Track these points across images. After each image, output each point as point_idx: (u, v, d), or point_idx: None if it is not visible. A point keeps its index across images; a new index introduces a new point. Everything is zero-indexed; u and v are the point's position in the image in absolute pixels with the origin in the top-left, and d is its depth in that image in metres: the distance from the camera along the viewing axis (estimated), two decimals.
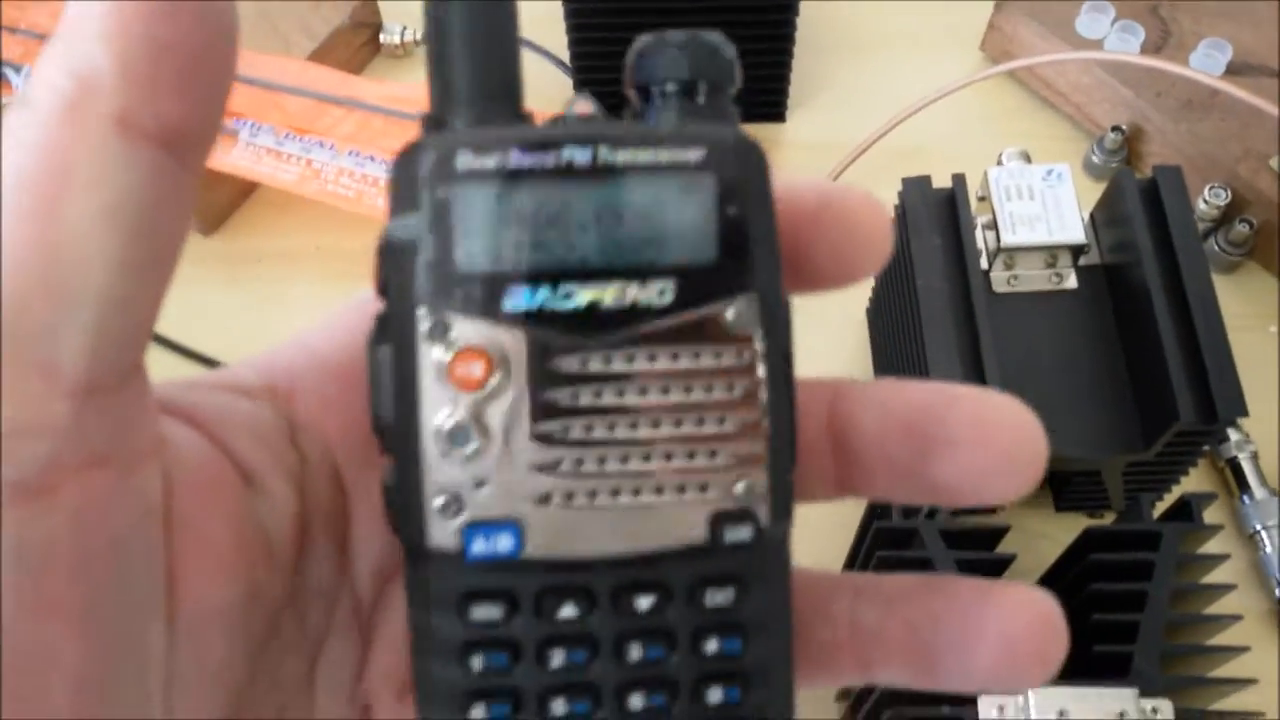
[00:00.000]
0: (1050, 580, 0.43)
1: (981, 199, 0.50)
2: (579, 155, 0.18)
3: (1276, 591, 0.49)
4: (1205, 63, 0.60)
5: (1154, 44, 0.62)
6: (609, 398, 0.18)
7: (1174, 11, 0.63)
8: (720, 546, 0.19)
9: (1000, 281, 0.49)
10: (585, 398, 0.18)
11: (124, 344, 0.17)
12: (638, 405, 0.18)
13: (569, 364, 0.18)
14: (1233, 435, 0.52)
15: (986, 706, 0.35)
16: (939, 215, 0.49)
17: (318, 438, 0.21)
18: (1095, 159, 0.62)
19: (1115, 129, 0.61)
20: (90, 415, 0.16)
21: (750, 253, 0.18)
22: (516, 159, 0.18)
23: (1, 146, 0.16)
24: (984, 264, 0.49)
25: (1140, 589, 0.37)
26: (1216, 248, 0.58)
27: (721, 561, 0.19)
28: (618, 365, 0.18)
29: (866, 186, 0.61)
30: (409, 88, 0.62)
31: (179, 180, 0.17)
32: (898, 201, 0.50)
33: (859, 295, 0.58)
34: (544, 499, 0.18)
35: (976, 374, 0.44)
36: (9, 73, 0.61)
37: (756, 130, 0.65)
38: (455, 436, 0.18)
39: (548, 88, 0.65)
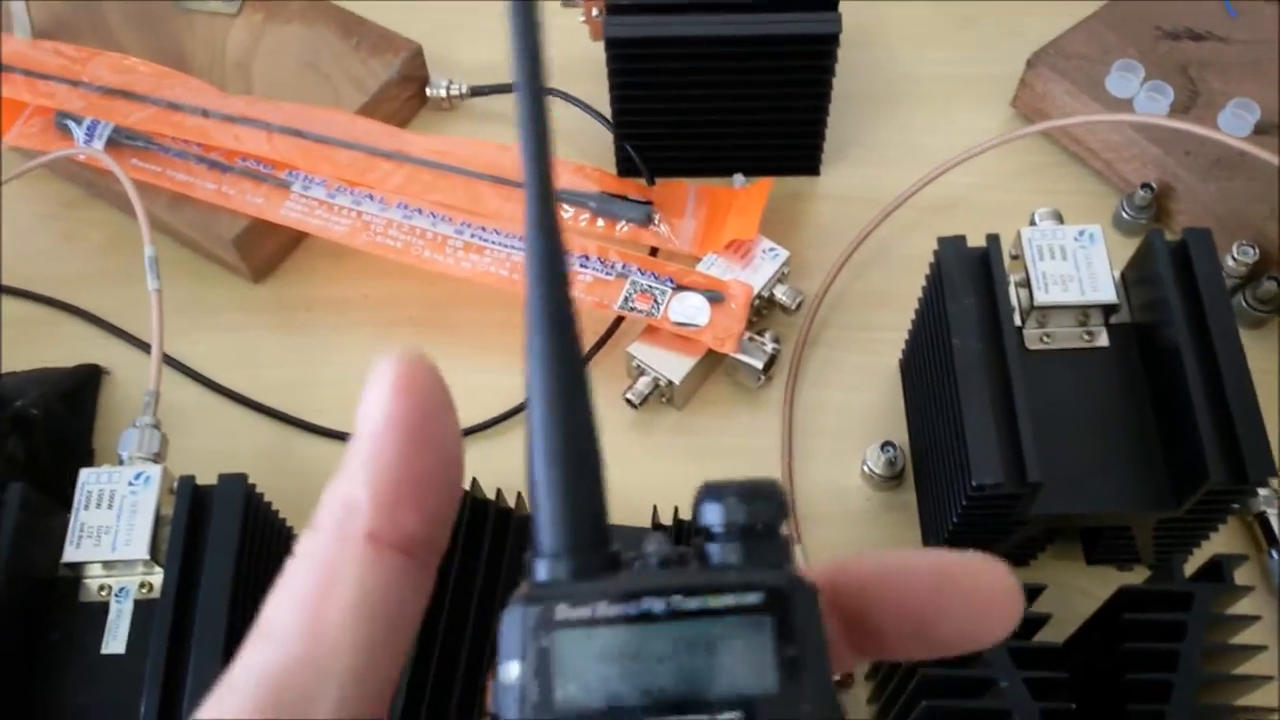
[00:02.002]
0: (1083, 638, 0.43)
1: (1014, 257, 0.51)
2: (656, 604, 0.21)
3: None
4: (1233, 122, 0.62)
5: (1183, 104, 0.63)
6: None
7: (1203, 72, 0.64)
8: None
9: (1033, 339, 0.50)
10: None
11: (365, 707, 0.21)
12: None
13: None
14: (1261, 490, 0.53)
15: None
16: (973, 274, 0.50)
17: None
18: (1125, 215, 0.63)
19: (1145, 186, 0.62)
20: None
21: (807, 679, 0.20)
22: (604, 609, 0.21)
23: (295, 554, 0.21)
24: (1017, 321, 0.50)
25: (1173, 649, 0.38)
26: (1244, 304, 0.59)
27: None
28: None
29: (900, 239, 0.63)
30: (454, 142, 0.64)
31: (414, 576, 0.22)
32: (933, 259, 0.52)
33: (892, 347, 0.60)
34: None
35: (1010, 431, 0.46)
36: (71, 125, 0.63)
37: (791, 183, 0.66)
38: None
39: (590, 142, 0.67)
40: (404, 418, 0.21)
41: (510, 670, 0.20)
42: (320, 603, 0.21)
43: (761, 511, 0.22)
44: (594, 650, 0.20)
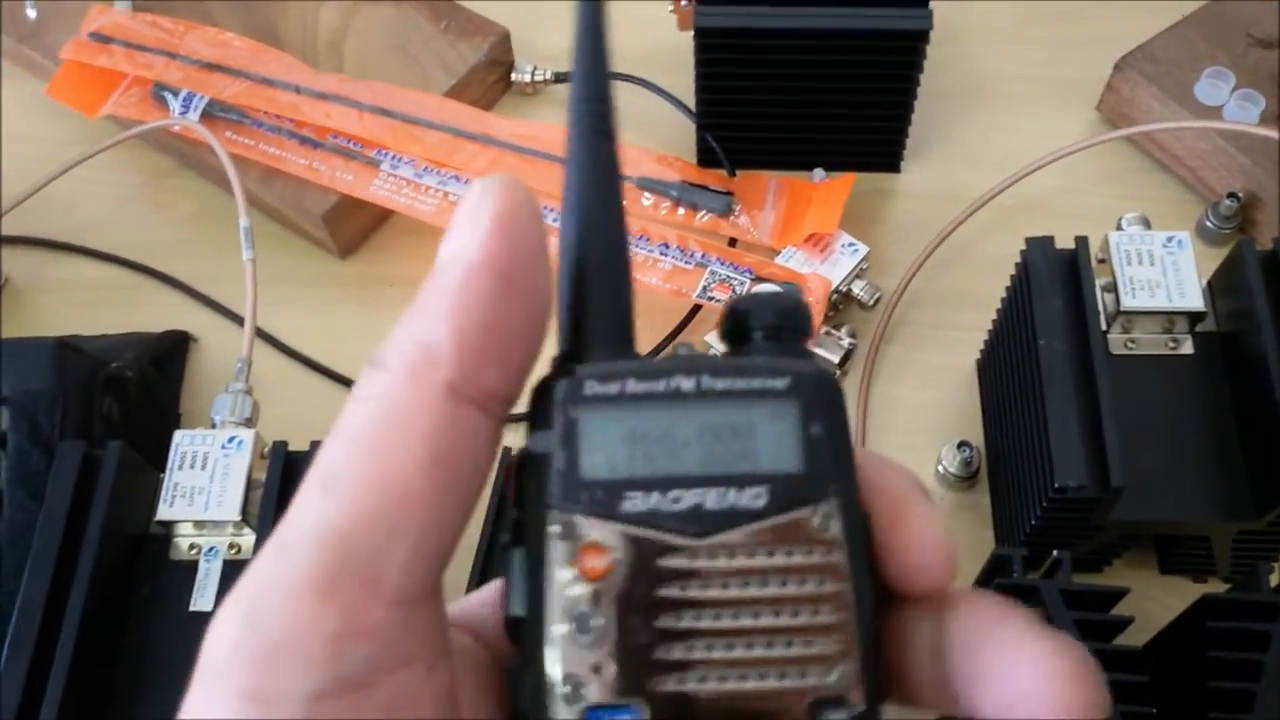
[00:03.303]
0: (1164, 644, 0.43)
1: (1101, 261, 0.51)
2: (685, 383, 0.21)
3: None
4: None
5: (1273, 113, 0.62)
6: (714, 591, 0.20)
7: None
8: None
9: (1117, 344, 0.50)
10: (693, 590, 0.20)
11: (432, 565, 0.20)
12: (739, 598, 0.20)
13: (678, 559, 0.20)
14: None
15: None
16: (1060, 275, 0.50)
17: None
18: (1209, 224, 0.63)
19: (1231, 195, 0.61)
20: (402, 624, 0.19)
21: (830, 466, 0.21)
22: (633, 386, 0.21)
23: (356, 396, 0.20)
24: (1102, 325, 0.50)
25: (1257, 659, 0.38)
26: None
27: None
28: (720, 561, 0.20)
29: (980, 240, 0.62)
30: (538, 126, 0.65)
31: (488, 434, 0.20)
32: (1020, 259, 0.52)
33: (970, 347, 0.60)
34: (659, 683, 0.20)
35: (1095, 434, 0.46)
36: (168, 96, 0.64)
37: (872, 179, 0.66)
38: (579, 623, 0.20)
39: (671, 132, 0.68)
40: (501, 259, 0.20)
41: (540, 440, 0.21)
42: (392, 453, 0.19)
43: (788, 315, 0.23)
44: (621, 424, 0.21)
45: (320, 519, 0.19)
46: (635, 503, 0.20)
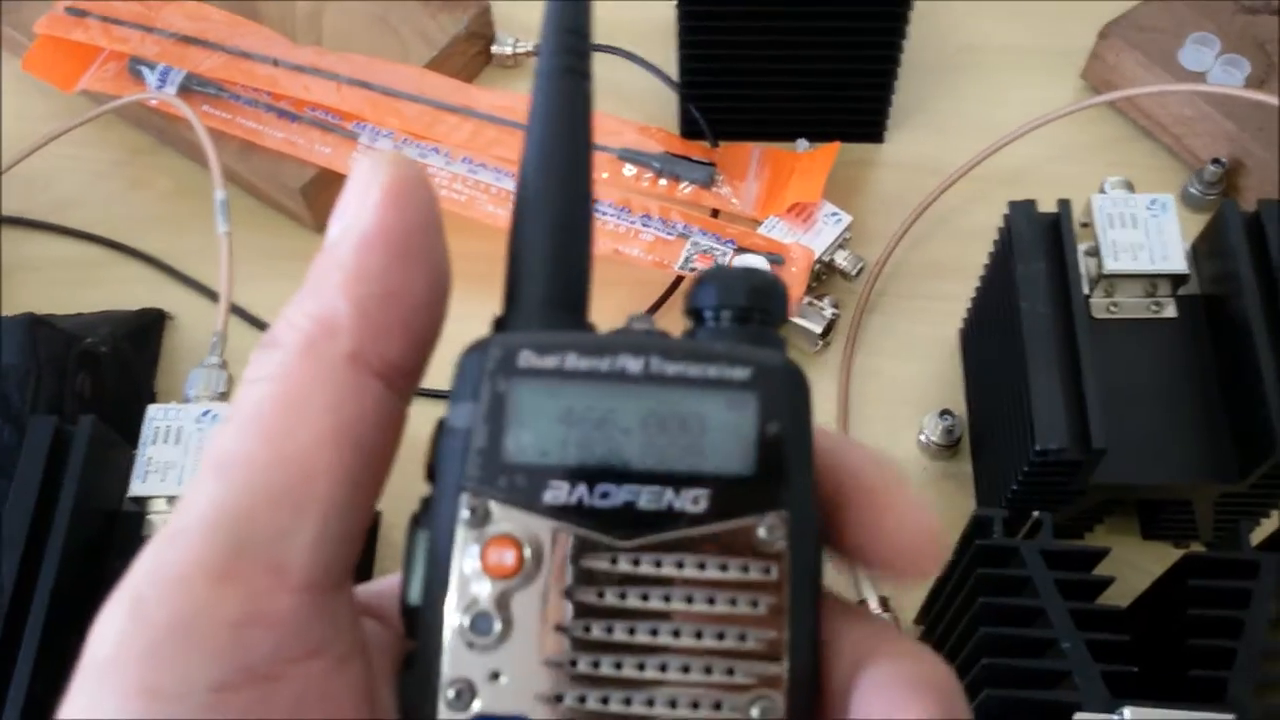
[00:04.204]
0: (1146, 604, 0.43)
1: (1084, 225, 0.51)
2: (631, 363, 0.19)
3: None
4: None
5: (1258, 78, 0.62)
6: (633, 600, 0.18)
7: None
8: None
9: (1100, 308, 0.50)
10: (610, 598, 0.18)
11: (340, 548, 0.19)
12: (660, 610, 0.18)
13: (597, 563, 0.18)
14: None
15: None
16: (1043, 239, 0.50)
17: None
18: (1193, 190, 0.62)
19: (1215, 161, 0.61)
20: (310, 611, 0.18)
21: (786, 472, 0.19)
22: (573, 361, 0.19)
23: (248, 379, 0.19)
24: (1085, 289, 0.50)
25: (1237, 616, 0.37)
26: None
27: None
28: (645, 568, 0.18)
29: (964, 210, 0.62)
30: (519, 98, 0.64)
31: (393, 407, 0.19)
32: (1003, 223, 0.51)
33: (952, 318, 0.59)
34: (555, 699, 0.18)
35: (1077, 397, 0.45)
36: (144, 71, 0.64)
37: (855, 150, 0.66)
38: (477, 623, 0.18)
39: (654, 104, 0.67)
40: (395, 229, 0.19)
41: (459, 413, 0.19)
42: (291, 430, 0.18)
43: (759, 296, 0.20)
44: (555, 403, 0.19)
45: (212, 502, 0.18)
46: (558, 494, 0.18)
